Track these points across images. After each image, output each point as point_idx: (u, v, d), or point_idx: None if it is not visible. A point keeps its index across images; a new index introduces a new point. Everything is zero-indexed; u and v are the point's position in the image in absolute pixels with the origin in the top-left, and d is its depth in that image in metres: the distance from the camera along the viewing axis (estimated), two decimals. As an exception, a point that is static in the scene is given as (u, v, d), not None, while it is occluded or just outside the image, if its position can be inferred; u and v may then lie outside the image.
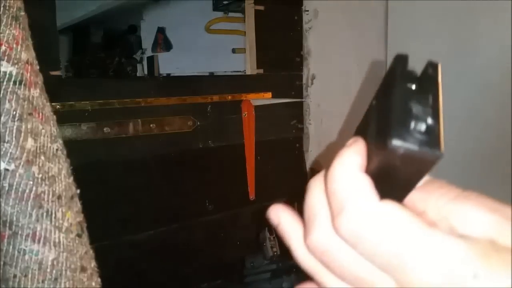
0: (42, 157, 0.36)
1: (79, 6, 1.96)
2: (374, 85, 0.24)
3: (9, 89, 0.34)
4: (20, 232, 0.34)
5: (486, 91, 1.34)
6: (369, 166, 0.21)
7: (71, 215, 0.37)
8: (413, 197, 0.22)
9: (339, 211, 0.20)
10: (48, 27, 0.94)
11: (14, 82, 0.34)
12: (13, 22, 0.35)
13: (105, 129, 1.02)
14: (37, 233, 0.35)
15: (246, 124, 1.26)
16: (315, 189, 0.24)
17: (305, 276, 0.25)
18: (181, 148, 1.16)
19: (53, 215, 0.36)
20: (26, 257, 0.35)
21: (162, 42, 1.98)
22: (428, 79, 0.21)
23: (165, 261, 1.15)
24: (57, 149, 0.38)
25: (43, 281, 0.35)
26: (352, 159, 0.21)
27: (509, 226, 0.19)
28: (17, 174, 0.34)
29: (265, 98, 1.30)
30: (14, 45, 0.35)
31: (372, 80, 1.57)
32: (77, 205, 0.39)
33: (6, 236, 0.34)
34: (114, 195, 1.05)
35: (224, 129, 1.23)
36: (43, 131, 0.36)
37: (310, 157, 1.48)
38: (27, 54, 0.36)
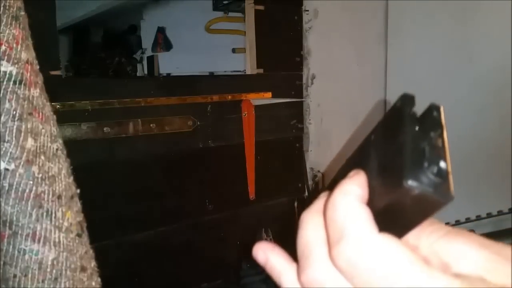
0: (42, 157, 0.36)
1: (79, 6, 1.96)
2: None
3: (9, 89, 0.34)
4: (20, 232, 0.34)
5: (486, 91, 1.34)
6: (370, 200, 0.21)
7: (71, 215, 0.37)
8: None
9: (338, 239, 0.20)
10: (48, 27, 0.94)
11: (14, 82, 0.34)
12: (13, 22, 0.35)
13: (105, 129, 1.02)
14: (37, 233, 0.35)
15: (246, 124, 1.26)
16: (309, 223, 0.23)
17: None
18: (181, 148, 1.16)
19: (53, 215, 0.36)
20: (26, 257, 0.35)
21: (162, 42, 1.98)
22: (432, 121, 0.21)
23: (165, 261, 1.15)
24: (57, 149, 0.38)
25: (43, 281, 0.35)
26: (354, 190, 0.21)
27: (498, 262, 0.20)
28: (17, 174, 0.34)
29: (265, 98, 1.30)
30: (14, 45, 0.35)
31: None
32: (77, 205, 0.39)
33: (6, 236, 0.34)
34: (114, 195, 1.05)
35: (224, 129, 1.23)
36: (43, 131, 0.36)
37: (310, 157, 1.48)
38: (27, 54, 0.36)
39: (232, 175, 1.27)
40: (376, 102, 1.60)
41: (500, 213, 1.16)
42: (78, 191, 0.40)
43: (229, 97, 1.23)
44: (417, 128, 0.21)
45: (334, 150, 1.53)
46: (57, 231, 0.36)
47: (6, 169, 0.33)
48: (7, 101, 0.34)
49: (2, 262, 0.35)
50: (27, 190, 0.34)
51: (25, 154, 0.34)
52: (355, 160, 0.24)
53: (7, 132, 0.33)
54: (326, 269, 0.21)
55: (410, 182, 0.18)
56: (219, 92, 1.21)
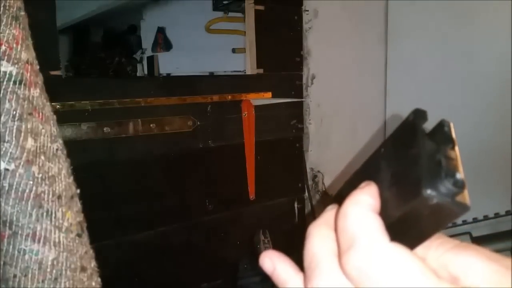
0: (42, 157, 0.36)
1: (79, 6, 1.96)
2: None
3: (9, 89, 0.34)
4: (20, 232, 0.34)
5: (486, 91, 1.34)
6: (382, 211, 0.22)
7: (71, 215, 0.37)
8: None
9: (348, 247, 0.20)
10: (48, 27, 0.94)
11: (14, 82, 0.34)
12: (13, 22, 0.35)
13: (105, 129, 1.02)
14: (37, 233, 0.35)
15: (246, 124, 1.26)
16: (316, 235, 0.23)
17: None
18: (181, 148, 1.16)
19: (53, 215, 0.36)
20: (26, 257, 0.35)
21: (162, 42, 1.97)
22: (444, 135, 0.22)
23: (165, 261, 1.15)
24: (57, 149, 0.38)
25: (43, 281, 0.35)
26: (366, 200, 0.22)
27: (507, 276, 0.20)
28: (17, 174, 0.34)
29: (265, 98, 1.30)
30: (14, 45, 0.35)
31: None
32: (77, 205, 0.39)
33: (6, 236, 0.34)
34: (114, 195, 1.05)
35: (224, 129, 1.23)
36: (43, 131, 0.36)
37: (310, 157, 1.48)
38: (27, 54, 0.36)
39: (232, 175, 1.27)
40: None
41: (497, 215, 1.16)
42: (78, 191, 0.40)
43: (229, 97, 1.23)
44: (430, 141, 0.21)
45: (334, 150, 1.53)
46: (57, 231, 0.36)
47: (6, 169, 0.33)
48: (7, 101, 0.34)
49: (2, 262, 0.35)
50: (27, 190, 0.34)
51: (25, 154, 0.34)
52: (364, 172, 0.25)
53: (7, 132, 0.33)
54: (334, 279, 0.21)
55: (429, 192, 0.19)
56: (219, 92, 1.21)
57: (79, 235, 0.38)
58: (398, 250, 0.20)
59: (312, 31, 1.44)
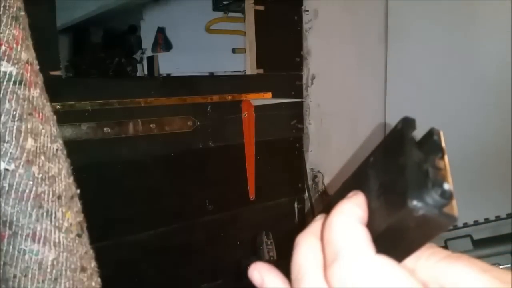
0: (42, 157, 0.36)
1: (79, 6, 1.96)
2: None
3: (9, 89, 0.34)
4: (20, 232, 0.34)
5: (486, 91, 1.34)
6: (370, 222, 0.21)
7: (71, 215, 0.37)
8: None
9: (333, 259, 0.20)
10: (48, 27, 0.94)
11: (14, 82, 0.34)
12: (13, 22, 0.35)
13: (105, 129, 1.02)
14: (37, 233, 0.35)
15: (246, 124, 1.26)
16: (303, 246, 0.23)
17: None
18: (181, 148, 1.16)
19: (53, 215, 0.36)
20: (26, 257, 0.35)
21: (162, 42, 1.98)
22: (433, 145, 0.21)
23: (165, 261, 1.15)
24: (57, 149, 0.38)
25: (43, 281, 0.35)
26: (352, 210, 0.21)
27: (498, 286, 0.19)
28: (17, 174, 0.34)
29: (265, 98, 1.30)
30: (14, 45, 0.35)
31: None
32: (77, 205, 0.39)
33: (6, 236, 0.34)
34: (114, 195, 1.05)
35: (224, 129, 1.23)
36: (43, 131, 0.36)
37: (310, 157, 1.48)
38: (27, 54, 0.36)
39: (232, 175, 1.27)
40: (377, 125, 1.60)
41: (498, 218, 1.15)
42: (78, 191, 0.40)
43: (229, 97, 1.23)
44: (418, 151, 0.21)
45: (334, 150, 1.53)
46: (57, 231, 0.36)
47: (6, 169, 0.33)
48: (7, 101, 0.34)
49: (2, 262, 0.35)
50: (27, 190, 0.34)
51: (25, 154, 0.34)
52: (353, 182, 0.24)
53: (7, 132, 0.33)
54: None
55: (415, 203, 0.18)
56: (219, 92, 1.21)
57: (79, 235, 0.38)
58: (384, 262, 0.19)
59: (312, 31, 1.44)
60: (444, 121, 1.39)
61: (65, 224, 0.37)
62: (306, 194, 1.46)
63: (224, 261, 1.27)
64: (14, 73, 0.34)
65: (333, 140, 1.53)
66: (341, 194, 0.23)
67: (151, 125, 1.09)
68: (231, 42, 1.50)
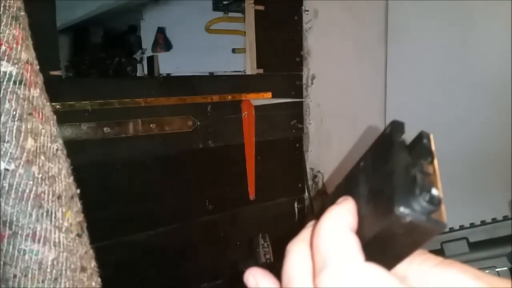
0: (42, 157, 0.36)
1: (79, 6, 1.96)
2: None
3: (9, 89, 0.34)
4: (20, 232, 0.34)
5: (486, 91, 1.34)
6: (360, 228, 0.21)
7: (71, 215, 0.38)
8: None
9: (322, 267, 0.19)
10: (48, 27, 0.94)
11: (14, 82, 0.34)
12: (13, 22, 0.35)
13: (105, 129, 1.02)
14: (37, 233, 0.35)
15: (246, 124, 1.26)
16: (293, 253, 0.22)
17: None
18: (181, 148, 1.16)
19: (53, 215, 0.36)
20: (26, 257, 0.35)
21: (162, 42, 1.98)
22: (423, 148, 0.21)
23: (165, 261, 1.15)
24: (57, 149, 0.38)
25: (43, 281, 0.35)
26: (342, 216, 0.21)
27: None
28: (17, 174, 0.34)
29: (265, 98, 1.30)
30: (14, 45, 0.35)
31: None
32: (77, 205, 0.39)
33: (6, 236, 0.34)
34: (114, 195, 1.05)
35: (224, 129, 1.23)
36: (43, 131, 0.36)
37: (310, 157, 1.48)
38: (27, 54, 0.36)
39: (232, 175, 1.27)
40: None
41: (494, 220, 1.15)
42: (78, 191, 0.40)
43: (229, 97, 1.23)
44: (407, 155, 0.20)
45: (334, 150, 1.53)
46: (57, 231, 0.36)
47: (6, 169, 0.33)
48: (7, 101, 0.34)
49: (2, 262, 0.35)
50: (27, 190, 0.34)
51: (25, 154, 0.34)
52: (345, 186, 0.24)
53: (7, 132, 0.33)
54: None
55: (402, 209, 0.18)
56: (219, 92, 1.21)
57: (79, 235, 0.38)
58: (373, 270, 0.19)
59: (312, 31, 1.44)
60: (444, 122, 1.39)
61: (65, 224, 0.37)
62: (306, 194, 1.46)
63: (224, 261, 1.27)
64: (14, 73, 0.34)
65: (333, 140, 1.53)
66: (333, 199, 0.23)
67: (151, 125, 1.09)
68: (231, 42, 1.50)
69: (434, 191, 0.18)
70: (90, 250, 0.40)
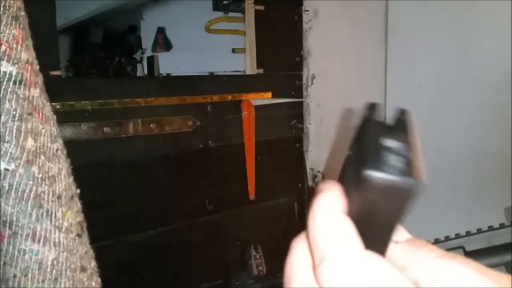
0: (42, 157, 0.36)
1: (79, 6, 1.96)
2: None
3: (9, 89, 0.34)
4: (20, 232, 0.34)
5: (486, 91, 1.34)
6: (349, 212, 0.20)
7: (71, 215, 0.37)
8: (395, 251, 0.21)
9: (321, 260, 0.19)
10: (48, 27, 0.94)
11: (14, 82, 0.34)
12: (13, 22, 0.35)
13: (105, 129, 1.02)
14: (37, 233, 0.35)
15: (246, 124, 1.26)
16: (294, 249, 0.22)
17: None
18: (181, 148, 1.16)
19: (53, 215, 0.36)
20: (26, 257, 0.35)
21: (162, 42, 1.97)
22: (401, 124, 0.20)
23: (165, 261, 1.15)
24: (57, 149, 0.38)
25: (43, 281, 0.35)
26: (332, 202, 0.20)
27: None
28: (17, 174, 0.34)
29: (265, 98, 1.30)
30: (14, 45, 0.35)
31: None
32: (77, 205, 0.39)
33: (6, 236, 0.34)
34: (114, 195, 1.05)
35: (224, 129, 1.23)
36: (43, 131, 0.36)
37: (310, 157, 1.48)
38: (27, 54, 0.36)
39: (232, 175, 1.27)
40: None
41: (491, 228, 1.14)
42: (78, 191, 0.40)
43: (229, 97, 1.23)
44: (382, 129, 0.20)
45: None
46: (57, 231, 0.36)
47: (6, 169, 0.33)
48: (7, 101, 0.34)
49: (2, 262, 0.35)
50: (27, 190, 0.34)
51: (25, 154, 0.34)
52: (339, 179, 0.23)
53: (7, 132, 0.33)
54: None
55: (369, 172, 0.18)
56: (219, 92, 1.21)
57: (79, 235, 0.38)
58: (373, 260, 0.18)
59: (312, 31, 1.44)
60: (443, 123, 1.39)
61: (65, 224, 0.37)
62: (306, 194, 1.46)
63: (224, 261, 1.27)
64: (14, 73, 0.34)
65: (333, 140, 1.53)
66: None
67: (151, 125, 1.09)
68: (231, 42, 1.50)
69: (407, 153, 0.18)
70: (90, 250, 0.40)
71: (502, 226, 1.13)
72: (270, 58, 1.32)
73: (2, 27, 0.34)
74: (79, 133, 0.98)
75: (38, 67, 0.38)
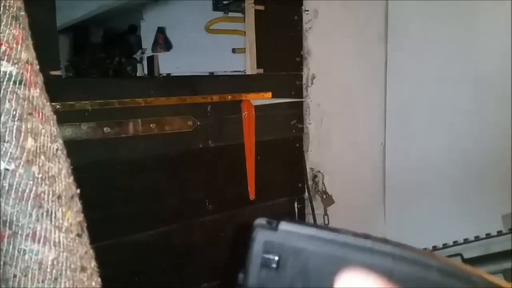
0: (42, 157, 0.36)
1: (79, 6, 1.96)
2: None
3: (9, 89, 0.34)
4: (20, 232, 0.34)
5: (486, 91, 1.34)
6: None
7: (71, 215, 0.37)
8: None
9: None
10: (48, 27, 0.94)
11: (14, 82, 0.34)
12: (13, 22, 0.35)
13: (105, 129, 1.02)
14: (37, 233, 0.35)
15: (246, 124, 1.26)
16: None
17: None
18: (181, 148, 1.15)
19: (53, 215, 0.36)
20: (26, 257, 0.35)
21: (162, 42, 1.97)
22: None
23: (165, 261, 1.15)
24: (57, 149, 0.38)
25: (43, 281, 0.35)
26: None
27: None
28: (17, 174, 0.34)
29: (265, 98, 1.30)
30: (14, 45, 0.35)
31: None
32: (77, 205, 0.39)
33: (6, 236, 0.34)
34: (114, 195, 1.05)
35: (224, 129, 1.23)
36: (43, 131, 0.36)
37: (310, 157, 1.48)
38: (27, 54, 0.36)
39: (232, 175, 1.27)
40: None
41: (488, 236, 1.14)
42: (78, 191, 0.40)
43: (229, 97, 1.23)
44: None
45: (334, 150, 1.53)
46: (57, 231, 0.36)
47: (6, 169, 0.33)
48: (7, 101, 0.34)
49: (2, 262, 0.35)
50: (27, 190, 0.34)
51: (25, 154, 0.34)
52: None
53: (7, 132, 0.33)
54: None
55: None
56: (219, 92, 1.21)
57: (79, 235, 0.38)
58: None
59: (312, 31, 1.44)
60: (443, 123, 1.39)
61: (65, 224, 0.37)
62: (306, 194, 1.46)
63: (224, 261, 1.27)
64: (14, 73, 0.34)
65: (333, 140, 1.53)
66: None
67: (151, 125, 1.09)
68: (231, 42, 1.50)
69: None
70: (90, 250, 0.40)
71: (500, 233, 1.13)
72: (270, 58, 1.32)
73: (2, 27, 0.34)
74: (79, 133, 0.98)
75: (38, 67, 0.38)
